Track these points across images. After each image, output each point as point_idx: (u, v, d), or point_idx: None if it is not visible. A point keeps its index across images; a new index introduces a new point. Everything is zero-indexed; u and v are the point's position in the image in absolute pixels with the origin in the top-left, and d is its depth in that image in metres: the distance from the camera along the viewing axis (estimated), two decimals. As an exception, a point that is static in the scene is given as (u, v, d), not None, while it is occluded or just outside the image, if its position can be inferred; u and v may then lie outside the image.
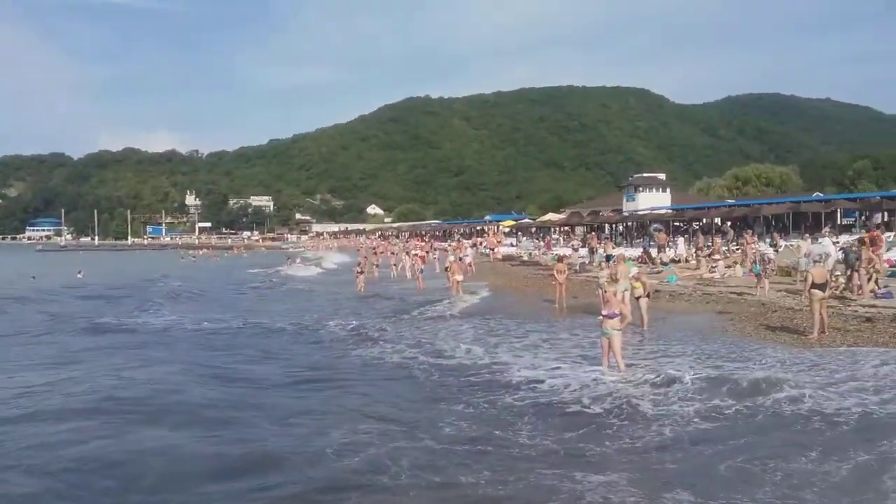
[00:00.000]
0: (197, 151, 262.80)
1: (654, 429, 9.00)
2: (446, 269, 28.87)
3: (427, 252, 47.72)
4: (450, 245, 51.85)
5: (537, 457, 8.16)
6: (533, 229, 72.48)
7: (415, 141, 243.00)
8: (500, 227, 79.76)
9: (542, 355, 14.10)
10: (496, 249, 52.21)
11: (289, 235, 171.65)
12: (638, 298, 16.78)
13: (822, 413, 9.04)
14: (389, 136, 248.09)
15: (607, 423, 9.33)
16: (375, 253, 46.76)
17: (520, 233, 71.50)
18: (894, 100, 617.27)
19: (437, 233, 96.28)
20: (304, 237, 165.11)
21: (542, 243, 55.83)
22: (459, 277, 26.43)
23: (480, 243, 59.74)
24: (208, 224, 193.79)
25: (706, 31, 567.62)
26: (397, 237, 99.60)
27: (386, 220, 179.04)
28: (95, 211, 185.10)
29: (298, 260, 67.05)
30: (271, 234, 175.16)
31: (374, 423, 9.57)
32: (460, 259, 37.52)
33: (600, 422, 9.43)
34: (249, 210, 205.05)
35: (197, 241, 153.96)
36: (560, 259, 25.93)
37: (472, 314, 21.38)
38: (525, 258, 46.95)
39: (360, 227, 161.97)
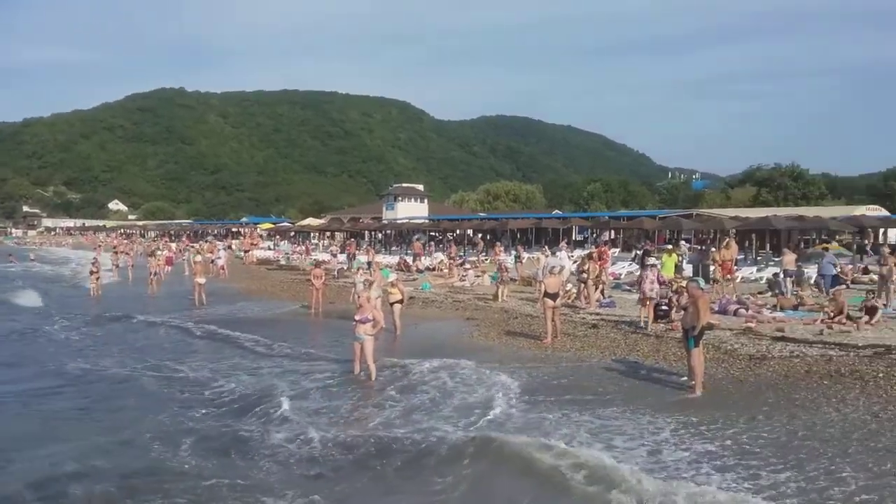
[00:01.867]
0: None
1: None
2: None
3: (174, 253, 44.95)
4: (195, 246, 48.99)
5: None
6: (292, 233, 71.30)
7: (167, 135, 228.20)
8: (258, 230, 77.62)
9: (273, 366, 13.76)
10: (251, 252, 50.52)
11: (13, 230, 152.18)
12: (392, 304, 17.01)
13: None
14: (138, 127, 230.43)
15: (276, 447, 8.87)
16: (116, 252, 42.81)
17: (278, 236, 69.92)
18: (622, 130, 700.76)
19: (189, 233, 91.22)
20: (31, 232, 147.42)
21: (301, 248, 55.03)
22: (202, 280, 24.97)
23: (234, 245, 57.48)
24: None
25: (465, 52, 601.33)
26: (143, 236, 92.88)
27: (131, 217, 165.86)
28: None
29: (33, 256, 59.72)
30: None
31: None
32: (212, 262, 35.78)
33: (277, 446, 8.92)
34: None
35: None
36: (317, 264, 25.58)
37: (217, 321, 20.24)
38: (283, 262, 45.95)
39: (101, 223, 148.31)
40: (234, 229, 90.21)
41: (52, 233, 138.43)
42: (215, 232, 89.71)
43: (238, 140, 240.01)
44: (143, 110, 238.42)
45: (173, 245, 58.62)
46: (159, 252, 38.45)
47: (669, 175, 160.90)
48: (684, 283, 14.41)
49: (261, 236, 70.86)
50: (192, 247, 48.72)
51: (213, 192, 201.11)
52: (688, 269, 25.07)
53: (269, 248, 59.24)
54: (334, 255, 40.53)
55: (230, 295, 27.43)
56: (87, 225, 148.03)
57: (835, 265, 20.82)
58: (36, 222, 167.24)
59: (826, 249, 22.59)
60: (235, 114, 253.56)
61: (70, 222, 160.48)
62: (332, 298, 23.99)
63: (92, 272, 28.57)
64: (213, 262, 35.84)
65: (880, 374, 11.03)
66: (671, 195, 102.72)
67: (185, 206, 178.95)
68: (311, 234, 67.87)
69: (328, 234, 69.16)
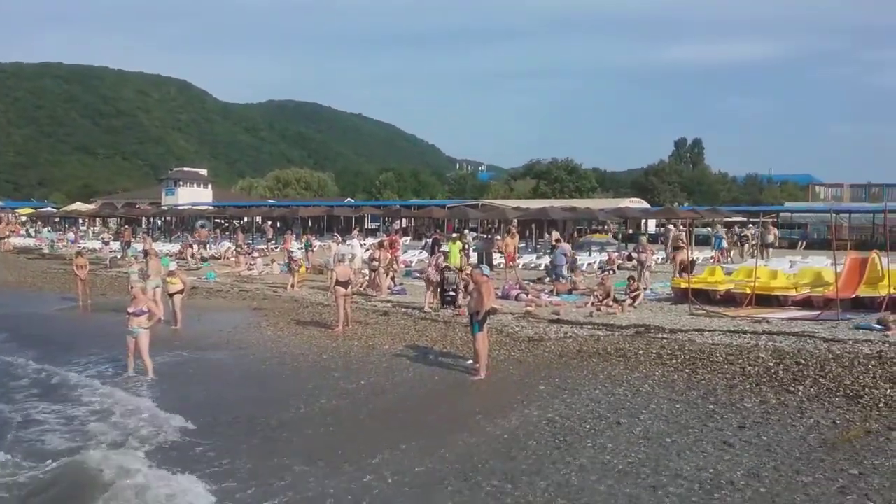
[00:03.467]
0: None
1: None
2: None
3: None
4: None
5: None
6: (57, 219, 64.95)
7: None
8: (17, 216, 69.95)
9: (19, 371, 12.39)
10: (8, 239, 45.42)
11: None
12: (172, 295, 16.06)
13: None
14: None
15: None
16: None
17: (40, 223, 63.30)
18: (413, 121, 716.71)
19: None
20: None
21: (68, 235, 50.31)
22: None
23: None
24: None
25: (246, 32, 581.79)
26: None
27: None
28: None
29: None
30: None
31: None
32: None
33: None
34: None
35: None
36: (79, 253, 23.39)
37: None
38: (46, 251, 41.73)
39: None
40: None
41: None
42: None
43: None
44: None
45: None
46: None
47: (458, 166, 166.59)
48: (470, 271, 14.94)
49: (21, 222, 63.84)
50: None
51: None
52: (474, 257, 26.11)
53: (30, 236, 53.49)
54: (106, 243, 37.43)
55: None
56: None
57: (566, 255, 22.00)
58: None
59: (559, 241, 23.86)
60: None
61: None
62: (103, 290, 22.36)
63: None
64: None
65: (640, 351, 12.15)
66: (459, 186, 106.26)
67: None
68: (80, 220, 62.15)
69: (99, 220, 63.95)
